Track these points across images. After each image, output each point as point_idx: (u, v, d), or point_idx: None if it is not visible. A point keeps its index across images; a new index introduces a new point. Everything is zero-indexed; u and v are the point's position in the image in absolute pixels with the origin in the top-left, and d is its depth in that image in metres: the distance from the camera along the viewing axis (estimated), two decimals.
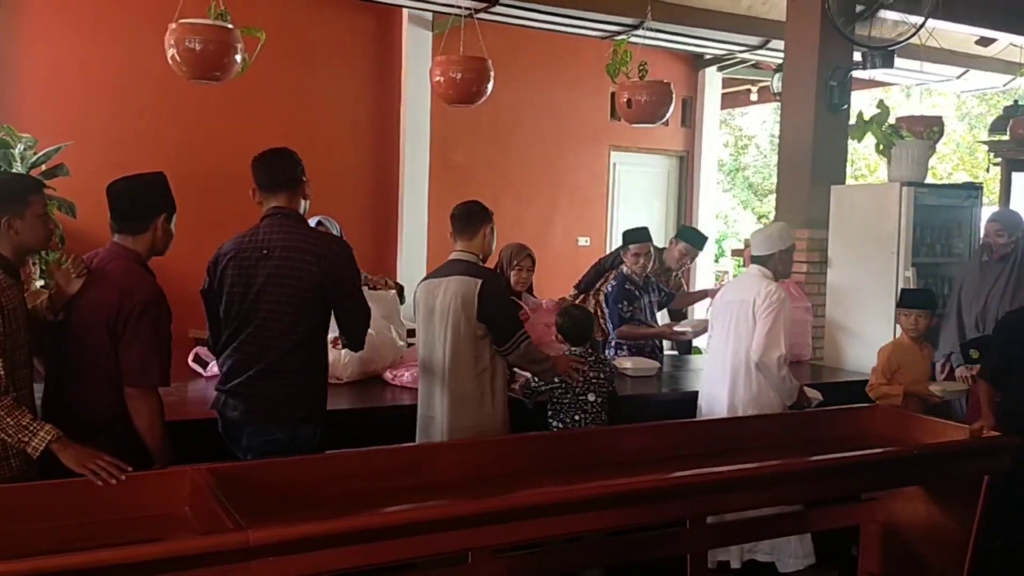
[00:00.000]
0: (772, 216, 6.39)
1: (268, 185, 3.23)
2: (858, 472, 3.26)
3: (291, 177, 3.23)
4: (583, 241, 9.03)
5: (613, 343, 5.12)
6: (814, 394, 4.18)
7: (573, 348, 3.91)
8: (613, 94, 6.87)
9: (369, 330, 4.25)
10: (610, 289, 5.14)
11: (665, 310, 5.59)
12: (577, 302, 5.62)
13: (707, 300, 5.53)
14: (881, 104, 5.40)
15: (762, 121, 16.73)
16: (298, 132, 7.45)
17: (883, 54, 5.36)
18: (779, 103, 6.72)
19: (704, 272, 9.89)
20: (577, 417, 3.79)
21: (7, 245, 2.76)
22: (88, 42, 6.72)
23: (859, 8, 5.34)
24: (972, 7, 6.08)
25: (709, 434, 3.67)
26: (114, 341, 2.83)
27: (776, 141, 7.20)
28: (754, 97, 10.67)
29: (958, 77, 8.88)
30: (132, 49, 6.57)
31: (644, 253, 5.06)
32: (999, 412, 3.75)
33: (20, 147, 5.72)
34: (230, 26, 4.14)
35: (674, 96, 5.53)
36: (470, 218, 3.65)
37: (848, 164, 5.93)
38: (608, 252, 5.87)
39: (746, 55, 8.48)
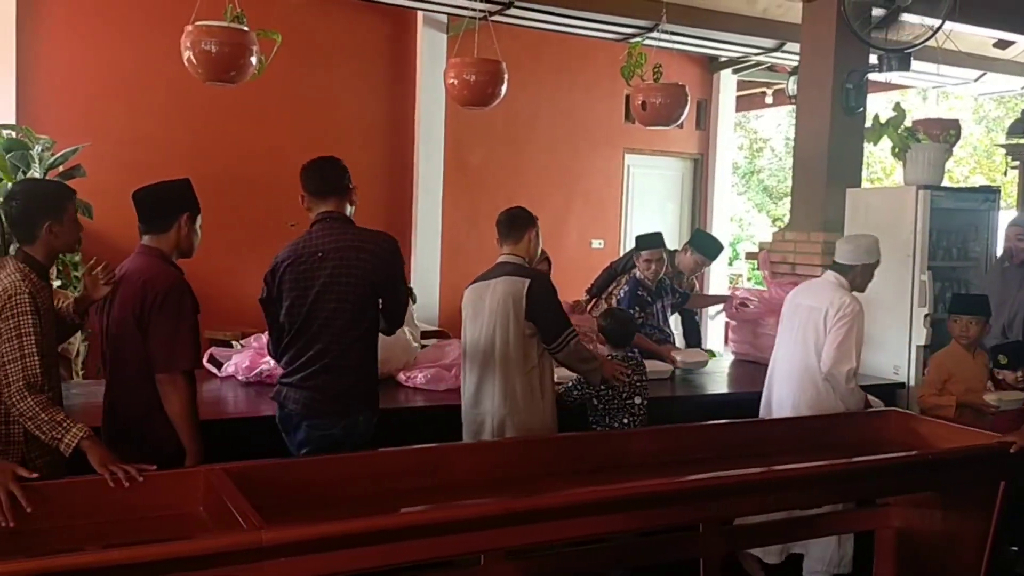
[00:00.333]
0: (787, 219, 6.36)
1: (317, 192, 3.37)
2: (872, 477, 3.24)
3: (339, 184, 3.39)
4: (597, 243, 9.01)
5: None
6: (876, 403, 4.17)
7: (614, 352, 3.95)
8: (628, 96, 6.88)
9: None
10: (623, 294, 5.13)
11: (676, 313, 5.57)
12: (589, 307, 5.62)
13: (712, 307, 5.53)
14: (897, 107, 5.37)
15: (777, 124, 16.67)
16: (313, 134, 7.49)
17: (899, 57, 5.33)
18: (794, 106, 6.69)
19: (718, 275, 9.85)
20: (626, 420, 3.85)
21: (43, 249, 2.85)
22: (105, 44, 6.77)
23: (875, 10, 5.31)
24: (990, 9, 6.04)
25: (723, 438, 3.66)
26: (143, 331, 2.94)
27: (791, 144, 7.17)
28: (769, 100, 10.63)
29: (975, 80, 8.82)
30: (148, 51, 6.62)
31: (656, 259, 5.04)
32: None
33: (38, 148, 5.77)
34: (245, 28, 4.16)
35: (689, 98, 5.52)
36: (515, 223, 3.78)
37: (864, 167, 5.90)
38: (620, 255, 5.85)
39: (761, 58, 8.45)
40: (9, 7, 6.39)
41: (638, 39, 6.42)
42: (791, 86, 8.12)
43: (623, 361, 3.91)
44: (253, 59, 4.19)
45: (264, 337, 4.51)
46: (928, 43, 5.27)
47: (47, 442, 2.66)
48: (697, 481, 2.99)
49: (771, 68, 9.34)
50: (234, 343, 5.36)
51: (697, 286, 6.15)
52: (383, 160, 7.90)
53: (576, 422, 3.85)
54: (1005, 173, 8.10)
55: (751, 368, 5.33)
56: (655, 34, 6.43)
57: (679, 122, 5.75)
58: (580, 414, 3.89)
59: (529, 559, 3.06)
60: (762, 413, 4.25)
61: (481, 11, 5.69)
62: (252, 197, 7.17)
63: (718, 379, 5.10)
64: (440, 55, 7.68)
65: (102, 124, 6.64)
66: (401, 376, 4.40)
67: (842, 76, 5.46)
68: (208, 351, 4.52)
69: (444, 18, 7.67)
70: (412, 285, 6.19)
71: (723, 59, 9.15)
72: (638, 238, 5.21)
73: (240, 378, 4.31)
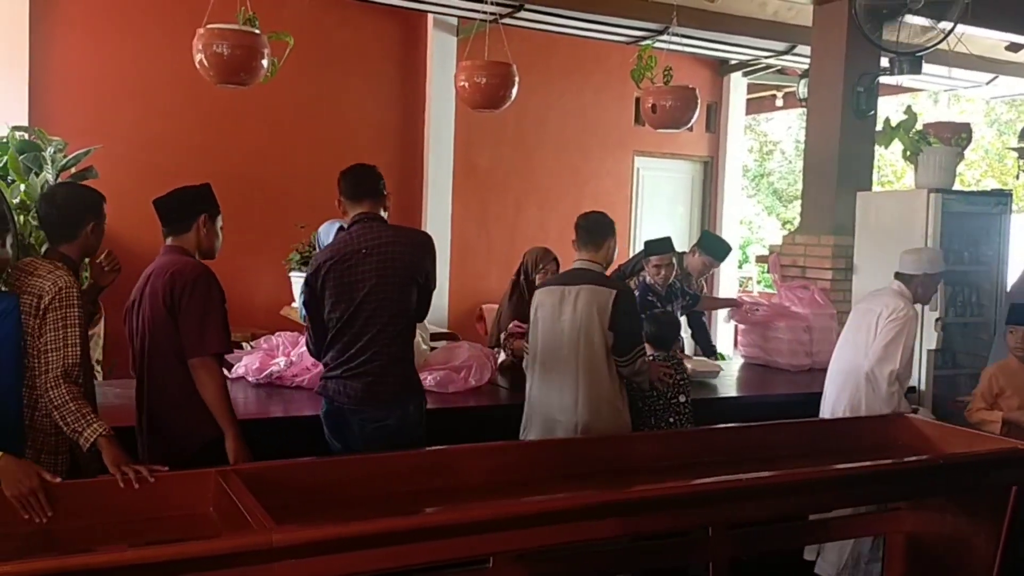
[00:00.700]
0: (797, 223, 6.35)
1: (353, 195, 3.49)
2: (882, 481, 3.23)
3: (373, 188, 3.50)
4: None
5: None
6: (926, 414, 4.19)
7: (657, 353, 4.00)
8: (638, 99, 6.88)
9: None
10: None
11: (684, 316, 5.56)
12: None
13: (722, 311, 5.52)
14: (908, 110, 5.35)
15: (787, 127, 16.63)
16: (323, 136, 7.52)
17: (911, 60, 5.31)
18: (805, 109, 6.68)
19: (728, 278, 9.84)
20: (672, 419, 3.91)
21: (79, 248, 2.98)
22: (117, 47, 6.81)
23: (887, 13, 5.30)
24: (1002, 13, 6.01)
25: (733, 441, 3.65)
26: (174, 319, 3.04)
27: (801, 147, 7.16)
28: (779, 103, 10.60)
29: (987, 83, 8.79)
30: (160, 54, 6.65)
31: (666, 264, 5.02)
32: None
33: (50, 150, 5.80)
34: (256, 31, 4.18)
35: (699, 101, 5.52)
36: (598, 229, 3.80)
37: (875, 170, 5.89)
38: (629, 258, 5.84)
39: (772, 60, 8.43)
40: (22, 10, 6.43)
41: (648, 42, 6.41)
42: (802, 89, 8.08)
43: (664, 361, 3.96)
44: (264, 62, 4.21)
45: (274, 339, 4.55)
46: (940, 46, 5.26)
47: (68, 434, 2.70)
48: (706, 485, 2.99)
49: (781, 71, 9.31)
50: (244, 344, 5.38)
51: (706, 288, 6.14)
52: (393, 162, 7.91)
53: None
54: (1017, 176, 8.06)
55: (760, 371, 5.33)
56: (665, 37, 6.43)
57: (689, 125, 5.74)
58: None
59: (537, 561, 3.05)
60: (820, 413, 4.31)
61: (492, 14, 5.69)
62: (262, 199, 7.20)
63: (727, 383, 5.09)
64: (450, 57, 7.69)
65: (114, 126, 6.68)
66: None
67: (853, 79, 5.46)
68: None
69: (455, 20, 7.69)
70: None
71: (733, 62, 9.14)
72: (647, 243, 5.19)
73: (250, 379, 4.33)
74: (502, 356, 4.71)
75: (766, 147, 17.42)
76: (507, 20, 6.61)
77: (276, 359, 4.35)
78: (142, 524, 2.55)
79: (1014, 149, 7.99)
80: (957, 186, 5.40)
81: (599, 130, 8.86)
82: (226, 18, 4.20)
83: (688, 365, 4.83)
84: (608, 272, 5.76)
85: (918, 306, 4.44)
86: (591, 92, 8.73)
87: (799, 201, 6.32)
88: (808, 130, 5.94)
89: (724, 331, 8.40)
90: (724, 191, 9.68)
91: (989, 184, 14.46)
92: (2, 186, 5.65)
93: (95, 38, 6.76)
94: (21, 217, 5.21)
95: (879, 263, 5.30)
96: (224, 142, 7.13)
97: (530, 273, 4.81)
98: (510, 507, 2.67)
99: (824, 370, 5.32)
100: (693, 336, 5.95)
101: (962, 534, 3.44)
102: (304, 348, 4.31)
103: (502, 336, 4.64)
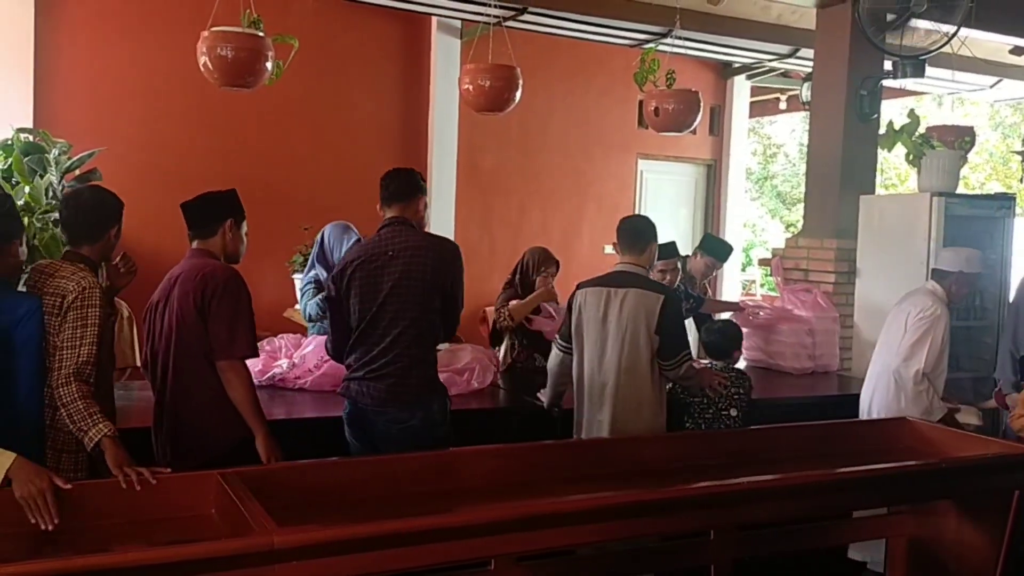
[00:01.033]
0: (800, 225, 6.35)
1: (385, 198, 3.58)
2: (884, 485, 3.23)
3: (401, 193, 3.56)
4: (610, 249, 8.98)
5: None
6: (969, 419, 4.13)
7: (715, 362, 4.02)
8: (641, 102, 6.87)
9: None
10: None
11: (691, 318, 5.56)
12: None
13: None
14: (911, 114, 5.35)
15: (791, 130, 16.63)
16: (327, 138, 7.53)
17: (914, 63, 5.31)
18: (808, 112, 6.67)
19: (731, 281, 9.83)
20: (721, 428, 3.93)
21: (99, 251, 3.02)
22: (122, 50, 6.82)
23: (890, 17, 5.30)
24: (1006, 16, 6.00)
25: (734, 445, 3.65)
26: (204, 321, 3.07)
27: (805, 149, 7.15)
28: (783, 106, 10.60)
29: (991, 86, 8.77)
30: (165, 56, 6.67)
31: (671, 270, 5.03)
32: None
33: (55, 152, 5.81)
34: (261, 34, 4.19)
35: (702, 104, 5.52)
36: (641, 235, 3.89)
37: (879, 173, 5.89)
38: None
39: (775, 64, 8.42)
40: (27, 13, 6.45)
41: (651, 45, 6.42)
42: (805, 92, 8.10)
43: (722, 372, 3.98)
44: (269, 64, 4.21)
45: (276, 340, 4.55)
46: (943, 49, 5.25)
47: (74, 432, 2.73)
48: (709, 488, 2.98)
49: (785, 74, 9.31)
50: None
51: (709, 291, 6.13)
52: (397, 164, 7.76)
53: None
54: (1021, 180, 8.07)
55: (763, 374, 5.32)
56: (668, 40, 6.43)
57: (692, 128, 5.74)
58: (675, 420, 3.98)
59: (538, 564, 3.05)
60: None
61: (495, 16, 5.70)
62: (266, 201, 7.18)
63: None
64: (454, 60, 7.70)
65: (118, 128, 6.69)
66: None
67: (856, 82, 5.45)
68: None
69: (458, 23, 7.69)
70: None
71: (737, 65, 9.13)
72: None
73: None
74: (502, 352, 4.76)
75: (770, 150, 17.42)
76: (511, 23, 6.61)
77: (279, 361, 4.35)
78: (144, 526, 2.56)
79: (1018, 152, 7.99)
80: (961, 189, 5.39)
81: (602, 133, 8.86)
82: (230, 21, 4.20)
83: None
84: None
85: None
86: (594, 95, 8.73)
87: (803, 204, 6.32)
88: (811, 133, 5.94)
89: None
90: (727, 194, 9.67)
91: (993, 187, 14.44)
92: (7, 187, 5.67)
93: (99, 40, 6.77)
94: (25, 219, 5.22)
95: (882, 266, 5.31)
96: (228, 144, 7.15)
97: (530, 274, 4.83)
98: (511, 510, 2.67)
99: (826, 373, 5.38)
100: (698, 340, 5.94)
101: (965, 538, 3.43)
102: (306, 350, 4.33)
103: (498, 310, 4.72)
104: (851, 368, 5.50)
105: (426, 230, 3.67)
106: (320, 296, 4.56)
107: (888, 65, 5.48)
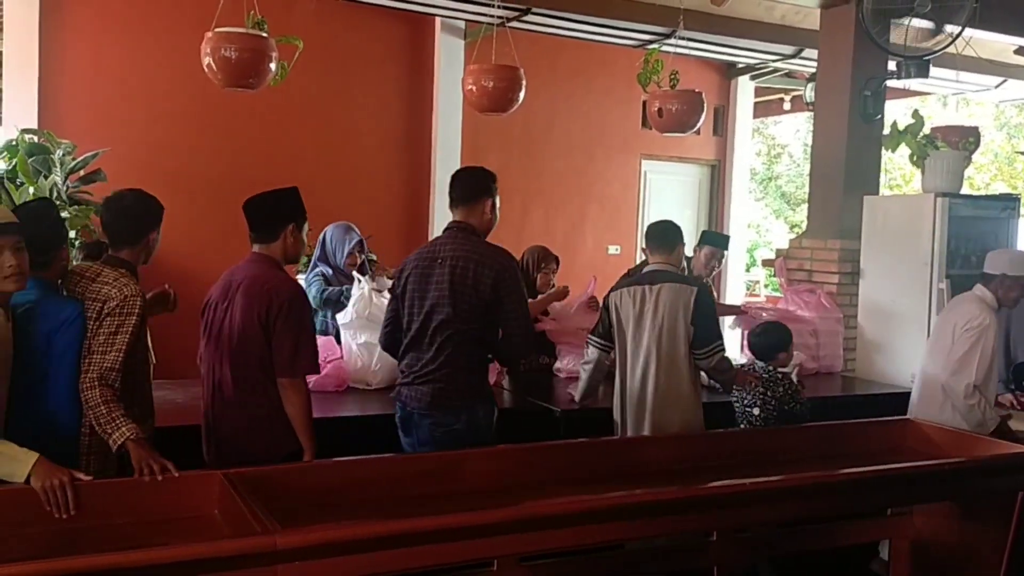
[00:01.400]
0: (804, 226, 6.34)
1: (451, 200, 3.62)
2: (887, 486, 3.22)
3: (464, 195, 3.59)
4: (613, 250, 9.00)
5: None
6: (1020, 426, 4.05)
7: (758, 362, 4.06)
8: (644, 103, 6.87)
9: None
10: None
11: None
12: None
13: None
14: (915, 114, 5.34)
15: (795, 130, 16.61)
16: (331, 139, 7.54)
17: (918, 64, 5.30)
18: (812, 112, 6.67)
19: (736, 281, 9.83)
20: (743, 426, 3.98)
21: (138, 254, 3.02)
22: (126, 50, 6.84)
23: (894, 17, 5.29)
24: (1011, 16, 5.99)
25: (738, 446, 3.65)
26: (267, 337, 3.06)
27: (809, 150, 7.15)
28: (787, 106, 10.59)
29: (996, 87, 8.75)
30: (169, 57, 6.68)
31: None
32: None
33: (59, 152, 5.83)
34: (264, 34, 4.19)
35: (705, 105, 5.51)
36: (668, 236, 4.00)
37: (883, 173, 5.87)
38: (636, 264, 5.84)
39: (779, 64, 8.42)
40: (32, 14, 6.47)
41: (655, 45, 6.42)
42: (809, 93, 8.08)
43: (762, 373, 4.00)
44: (272, 65, 4.22)
45: None
46: (948, 50, 5.24)
47: (100, 434, 2.77)
48: (711, 489, 2.98)
49: (789, 75, 9.30)
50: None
51: (715, 293, 6.12)
52: (401, 165, 7.93)
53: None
54: None
55: None
56: (672, 40, 6.43)
57: (696, 128, 5.74)
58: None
59: (540, 565, 3.05)
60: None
61: (499, 17, 5.70)
62: None
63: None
64: (458, 61, 7.71)
65: (122, 129, 6.71)
66: None
67: (860, 83, 5.44)
68: None
69: (462, 24, 7.69)
70: None
71: (740, 65, 9.12)
72: None
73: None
74: None
75: (774, 150, 17.40)
76: (514, 24, 6.61)
77: None
78: (147, 526, 2.56)
79: (1023, 153, 7.97)
80: (966, 190, 5.38)
81: (606, 133, 8.86)
82: (234, 22, 4.21)
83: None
84: (617, 280, 5.80)
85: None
86: (598, 96, 8.73)
87: (807, 205, 6.32)
88: (815, 134, 5.93)
89: (731, 336, 8.37)
90: (731, 195, 9.67)
91: (998, 188, 14.41)
92: (11, 188, 5.69)
93: (104, 42, 6.78)
94: None
95: (886, 267, 5.30)
96: (232, 145, 7.15)
97: (531, 272, 4.83)
98: (514, 510, 2.67)
99: (830, 374, 5.36)
100: None
101: (969, 540, 3.43)
102: None
103: None
104: (855, 369, 5.49)
105: (491, 230, 3.63)
106: (325, 290, 4.65)
107: (892, 65, 5.47)
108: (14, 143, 5.84)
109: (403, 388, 3.52)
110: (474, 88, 5.10)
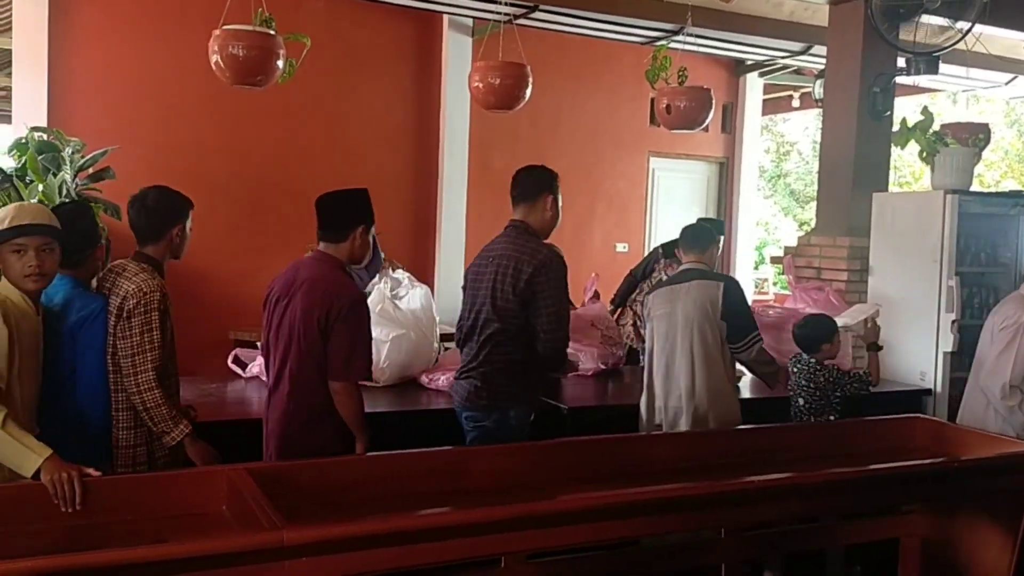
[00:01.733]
0: (813, 223, 6.32)
1: (512, 199, 3.69)
2: (897, 484, 3.20)
3: (523, 194, 3.67)
4: (621, 247, 8.99)
5: None
6: None
7: (803, 355, 4.07)
8: (652, 100, 6.85)
9: (408, 332, 4.33)
10: None
11: None
12: (614, 316, 5.60)
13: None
14: (925, 110, 5.31)
15: (804, 127, 16.56)
16: (339, 136, 7.54)
17: (927, 60, 5.27)
18: (821, 109, 6.64)
19: (744, 280, 9.79)
20: (796, 418, 4.03)
21: (162, 250, 3.07)
22: (135, 48, 6.86)
23: (903, 13, 5.26)
24: (1021, 12, 5.96)
25: (747, 444, 3.63)
26: (325, 340, 3.08)
27: (818, 147, 7.13)
28: (796, 103, 10.56)
29: (1006, 83, 8.71)
30: (178, 55, 6.70)
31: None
32: None
33: (68, 150, 5.85)
34: (272, 32, 4.20)
35: (714, 102, 5.50)
36: (701, 236, 4.08)
37: (893, 170, 5.84)
38: (640, 261, 5.82)
39: (788, 61, 8.40)
40: (41, 12, 6.49)
41: (663, 42, 6.39)
42: (818, 90, 8.05)
43: (808, 366, 3.99)
44: (280, 63, 4.22)
45: None
46: (957, 46, 5.21)
47: (156, 433, 2.87)
48: (719, 487, 2.97)
49: (798, 71, 9.27)
50: (259, 344, 5.39)
51: None
52: (409, 162, 7.93)
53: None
54: None
55: None
56: (680, 37, 6.42)
57: (704, 125, 5.73)
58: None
59: (547, 562, 3.05)
60: None
61: (506, 14, 5.70)
62: (279, 199, 7.22)
63: (741, 384, 5.06)
64: (465, 58, 7.70)
65: (131, 127, 6.73)
66: (424, 378, 4.41)
67: (869, 79, 5.42)
68: (233, 352, 4.56)
69: (470, 21, 7.70)
70: (436, 286, 6.15)
71: (749, 62, 9.10)
72: (665, 246, 5.18)
73: (265, 379, 4.33)
74: None
75: (783, 148, 17.36)
76: (521, 21, 6.61)
77: None
78: (155, 522, 2.57)
79: None
80: (976, 187, 5.34)
81: (614, 130, 8.85)
82: (242, 19, 4.21)
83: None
84: (623, 278, 5.79)
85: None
86: (605, 92, 8.72)
87: (815, 202, 6.30)
88: (824, 131, 5.91)
89: None
90: (740, 192, 9.64)
91: (1009, 185, 14.34)
92: (21, 186, 5.71)
93: (113, 40, 6.80)
94: None
95: (895, 264, 5.28)
96: (241, 143, 7.17)
97: None
98: (520, 508, 2.66)
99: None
100: None
101: (978, 538, 3.41)
102: None
103: None
104: (863, 367, 5.46)
105: (553, 228, 3.70)
106: None
107: (901, 62, 5.45)
108: (24, 141, 5.86)
109: (455, 383, 3.65)
110: (481, 85, 5.10)
